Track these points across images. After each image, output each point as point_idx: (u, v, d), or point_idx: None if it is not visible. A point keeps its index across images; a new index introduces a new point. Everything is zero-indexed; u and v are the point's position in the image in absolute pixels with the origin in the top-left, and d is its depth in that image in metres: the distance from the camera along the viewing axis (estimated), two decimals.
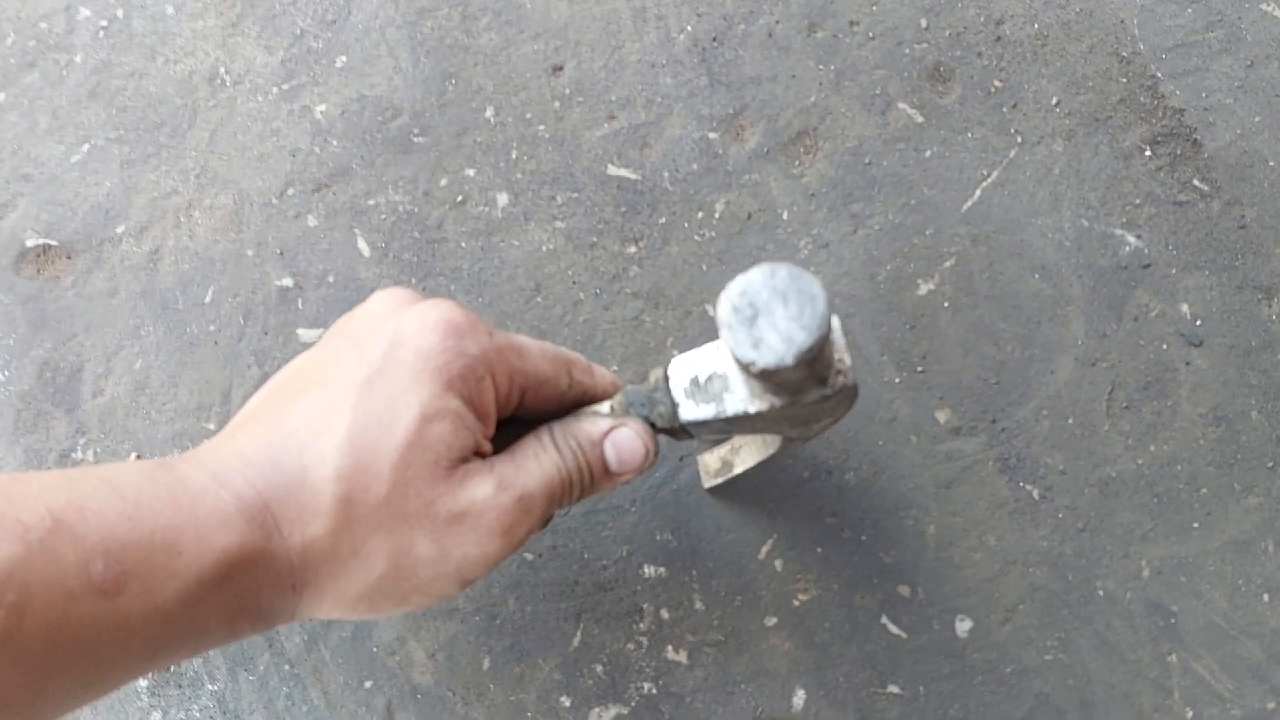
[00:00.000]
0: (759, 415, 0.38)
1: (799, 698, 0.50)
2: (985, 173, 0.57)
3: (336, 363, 0.35)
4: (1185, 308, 0.54)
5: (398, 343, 0.34)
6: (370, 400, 0.33)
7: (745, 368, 0.32)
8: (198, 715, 0.53)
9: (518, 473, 0.36)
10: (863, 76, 0.59)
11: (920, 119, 0.58)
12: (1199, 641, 0.50)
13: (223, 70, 0.62)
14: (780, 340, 0.31)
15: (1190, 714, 0.49)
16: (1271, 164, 0.56)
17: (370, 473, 0.32)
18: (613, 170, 0.58)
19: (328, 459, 0.32)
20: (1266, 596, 0.50)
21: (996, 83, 0.58)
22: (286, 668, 0.53)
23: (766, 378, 0.33)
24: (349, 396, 0.33)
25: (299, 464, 0.33)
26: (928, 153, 0.57)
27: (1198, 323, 0.54)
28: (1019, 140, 0.57)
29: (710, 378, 0.39)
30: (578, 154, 0.58)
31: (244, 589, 0.31)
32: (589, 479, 0.39)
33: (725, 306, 0.32)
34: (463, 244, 0.58)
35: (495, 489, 0.35)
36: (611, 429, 0.39)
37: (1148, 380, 0.53)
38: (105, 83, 0.62)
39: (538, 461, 0.37)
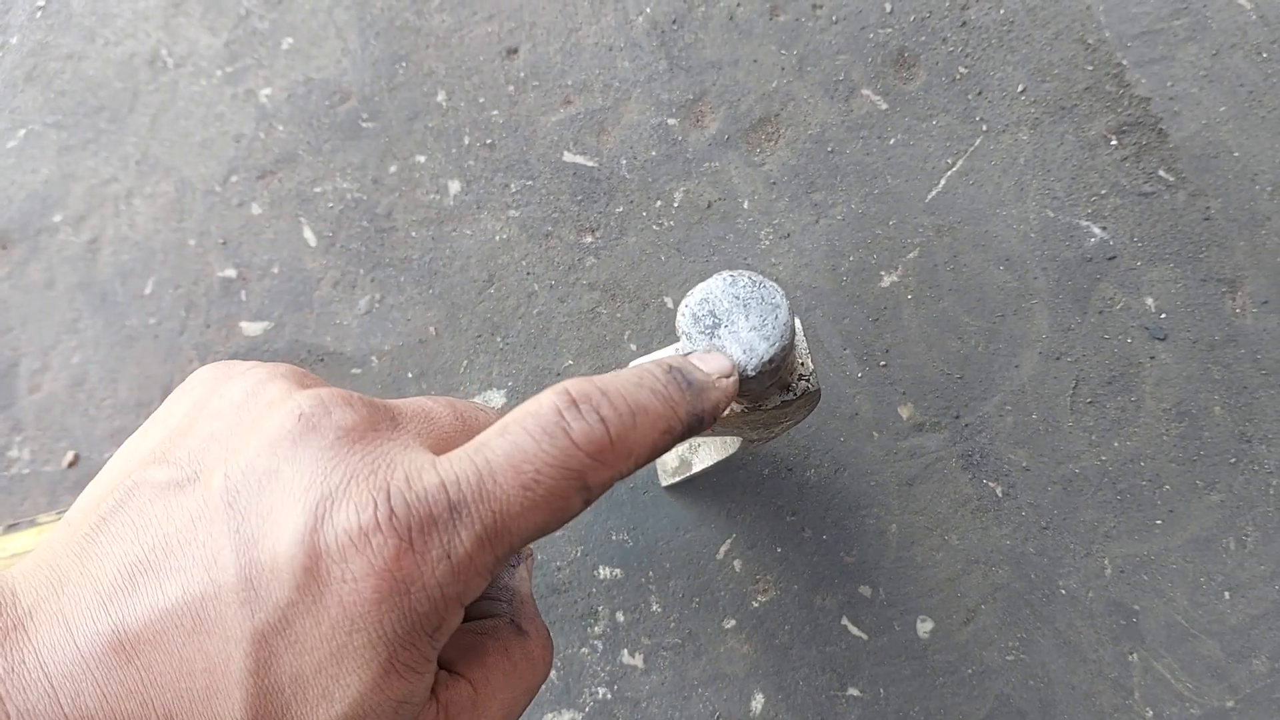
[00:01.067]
0: (720, 419, 0.35)
1: (758, 702, 0.47)
2: (950, 161, 0.53)
3: (215, 560, 0.20)
4: (1150, 301, 0.51)
5: (316, 570, 0.20)
6: (279, 664, 0.20)
7: None
8: None
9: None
10: (826, 62, 0.55)
11: (884, 106, 0.54)
12: (1160, 641, 0.47)
13: (164, 52, 0.57)
14: (742, 351, 0.29)
15: (1150, 714, 0.46)
16: (1236, 155, 0.53)
17: None
18: (569, 157, 0.54)
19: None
20: (1227, 594, 0.47)
21: (961, 69, 0.55)
22: None
23: None
24: (241, 644, 0.19)
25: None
26: (892, 140, 0.53)
27: (1162, 316, 0.51)
28: (984, 128, 0.54)
29: None
30: (532, 140, 0.54)
31: None
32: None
33: (685, 316, 0.30)
34: (413, 233, 0.53)
35: None
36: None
37: (1112, 375, 0.50)
38: (42, 65, 0.57)
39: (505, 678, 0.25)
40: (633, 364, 0.38)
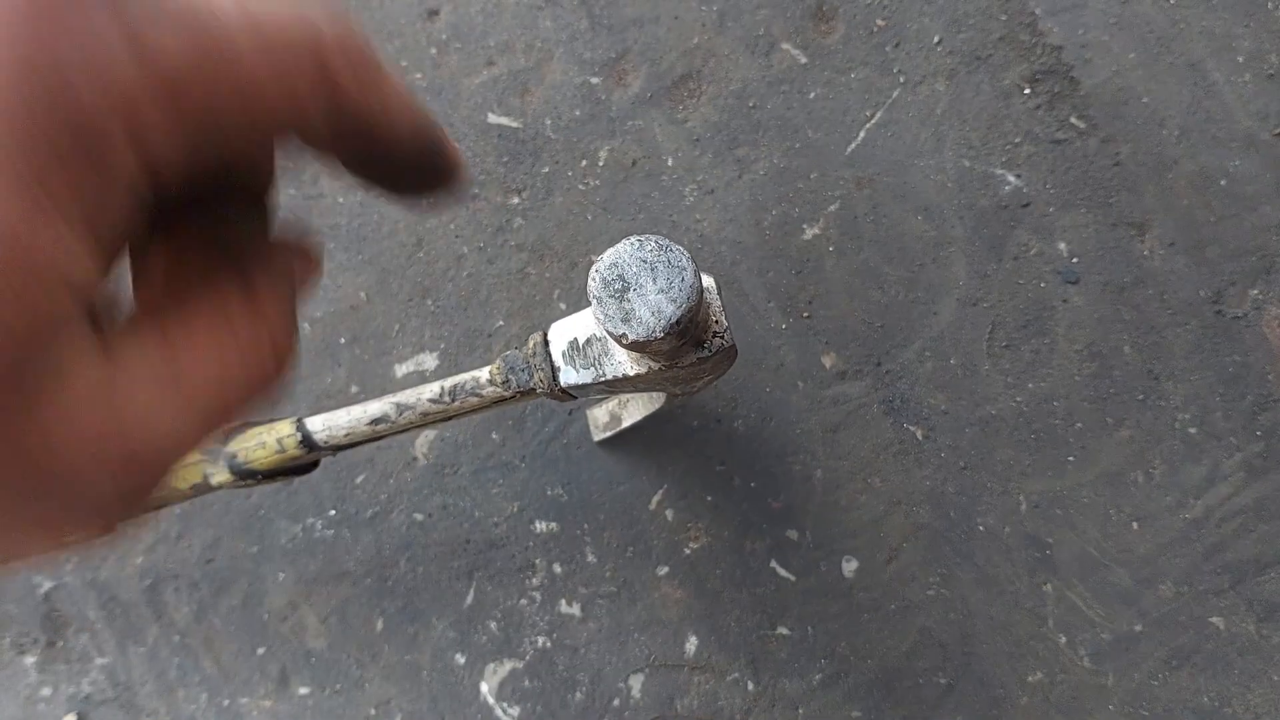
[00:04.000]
0: (639, 377, 0.33)
1: (691, 644, 0.45)
2: (869, 114, 0.49)
3: None
4: (1063, 246, 0.48)
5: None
6: None
7: (617, 340, 0.28)
8: (88, 689, 0.45)
9: (170, 402, 0.14)
10: (746, 17, 0.50)
11: (804, 60, 0.50)
12: (1072, 571, 0.45)
13: None
14: (650, 313, 0.28)
15: (1064, 639, 0.44)
16: (1145, 100, 0.50)
17: None
18: (493, 119, 0.49)
19: None
20: (1135, 525, 0.45)
21: (879, 22, 0.50)
22: (176, 638, 0.45)
23: (639, 349, 0.29)
24: None
25: None
26: (812, 94, 0.49)
27: (1074, 260, 0.48)
28: (902, 80, 0.50)
29: (589, 341, 0.34)
30: (456, 102, 0.49)
31: None
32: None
33: (595, 280, 0.28)
34: (340, 199, 0.49)
35: (110, 441, 0.14)
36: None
37: (1027, 319, 0.47)
38: None
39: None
40: (559, 325, 0.34)
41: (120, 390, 0.14)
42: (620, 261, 0.28)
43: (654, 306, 0.28)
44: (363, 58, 0.14)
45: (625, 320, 0.28)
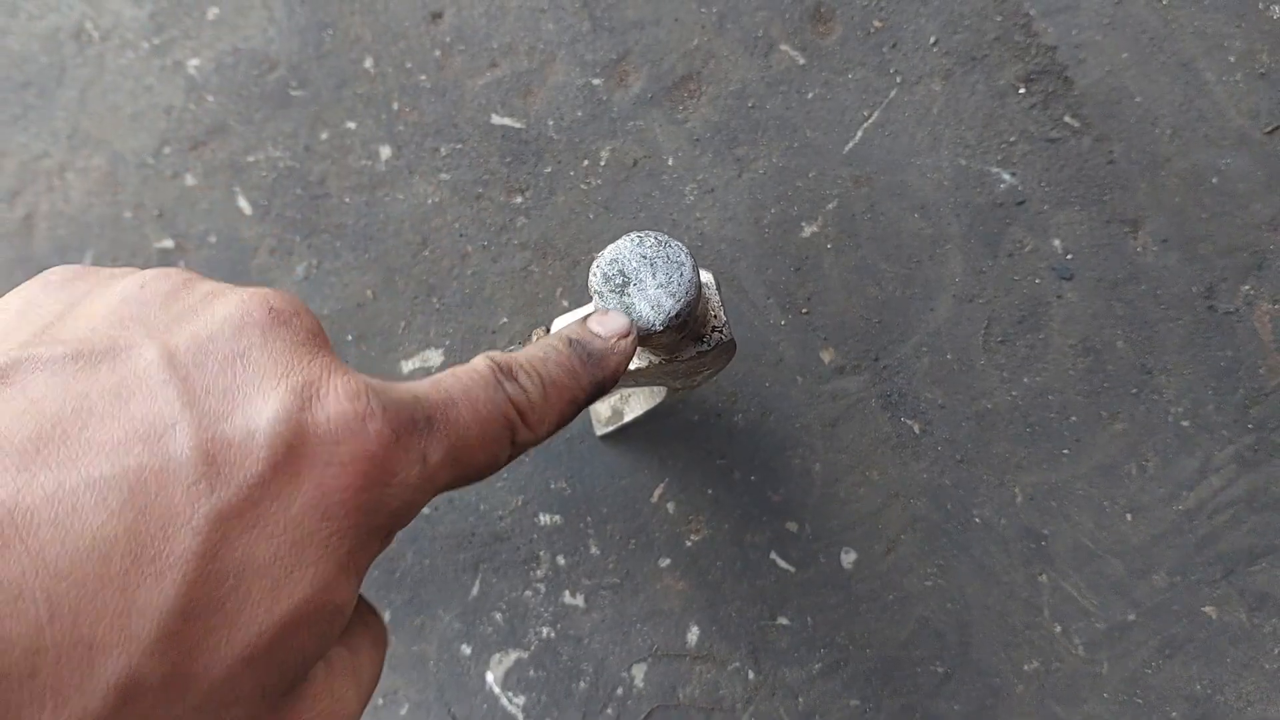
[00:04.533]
0: (639, 372, 0.33)
1: (693, 634, 0.45)
2: (866, 114, 0.49)
3: (164, 432, 0.16)
4: (1057, 242, 0.48)
5: (300, 451, 0.16)
6: (231, 550, 0.15)
7: None
8: None
9: (358, 690, 0.20)
10: (745, 18, 0.50)
11: (802, 61, 0.50)
12: (1067, 562, 0.45)
13: (89, 25, 0.51)
14: (649, 308, 0.28)
15: (1059, 629, 0.44)
16: (1138, 99, 0.50)
17: (177, 684, 0.15)
18: (496, 120, 0.49)
19: (114, 643, 0.14)
20: (1129, 516, 0.45)
21: (876, 23, 0.50)
22: None
23: (640, 343, 0.29)
24: (192, 525, 0.15)
25: (36, 624, 0.13)
26: (810, 95, 0.50)
27: (1069, 257, 0.48)
28: (898, 80, 0.50)
29: None
30: (460, 104, 0.50)
31: None
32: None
33: (596, 275, 0.29)
34: (346, 199, 0.49)
35: None
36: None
37: (1022, 314, 0.47)
38: None
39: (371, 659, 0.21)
40: (563, 319, 0.35)
41: (334, 685, 0.18)
42: (620, 257, 0.29)
43: (653, 301, 0.28)
44: (527, 412, 0.21)
45: (626, 314, 0.28)
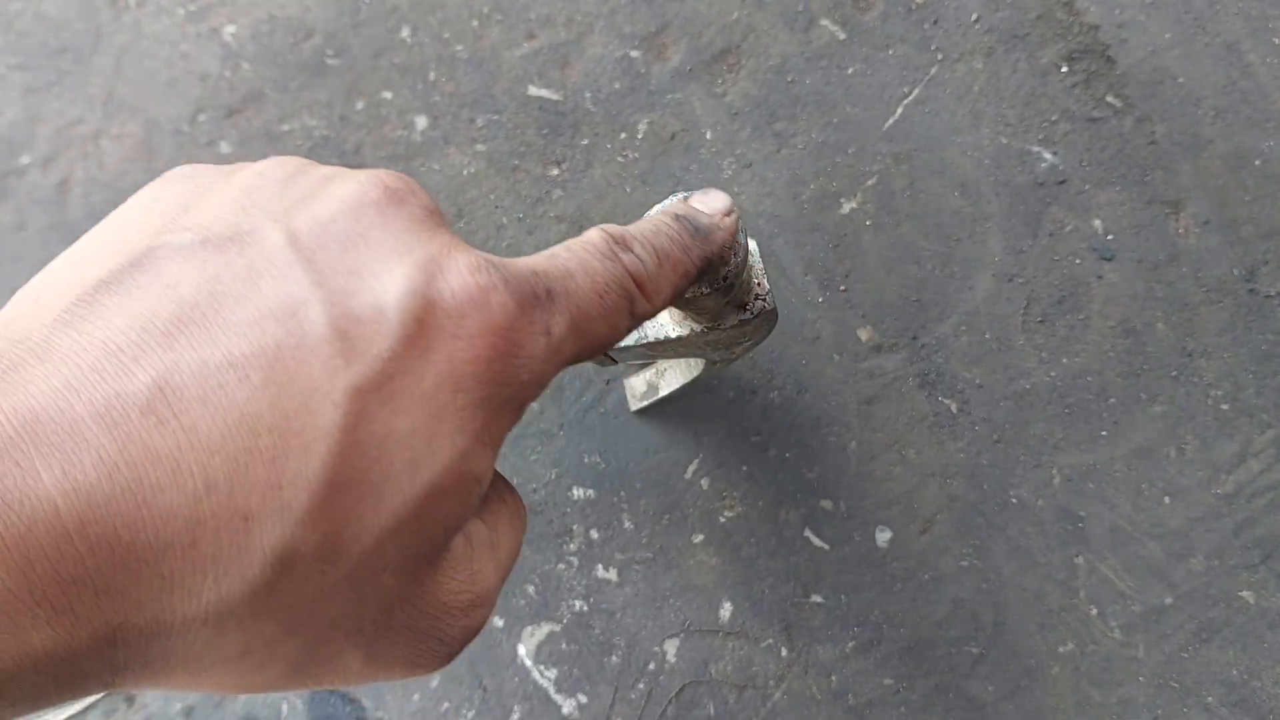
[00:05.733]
0: (680, 340, 0.32)
1: (726, 610, 0.43)
2: (907, 90, 0.48)
3: (297, 309, 0.15)
4: (1098, 223, 0.46)
5: (429, 323, 0.16)
6: (371, 423, 0.15)
7: None
8: None
9: (496, 563, 0.19)
10: None
11: (843, 36, 0.48)
12: (1104, 544, 0.43)
13: None
14: None
15: (1095, 611, 0.43)
16: (1180, 80, 0.48)
17: (330, 553, 0.15)
18: (534, 91, 0.48)
19: (268, 515, 0.14)
20: (1167, 499, 0.44)
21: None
22: None
23: (684, 306, 0.28)
24: (331, 399, 0.15)
25: (194, 495, 0.13)
26: (850, 70, 0.48)
27: (1109, 237, 0.46)
28: (940, 57, 0.48)
29: None
30: (497, 74, 0.48)
31: (33, 688, 0.13)
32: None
33: None
34: (381, 169, 0.47)
35: (471, 601, 0.18)
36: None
37: (1061, 295, 0.46)
38: (2, 7, 0.50)
39: (507, 546, 0.20)
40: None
41: (474, 558, 0.18)
42: None
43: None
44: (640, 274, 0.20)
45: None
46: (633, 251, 0.20)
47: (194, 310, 0.14)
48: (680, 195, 0.27)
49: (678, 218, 0.23)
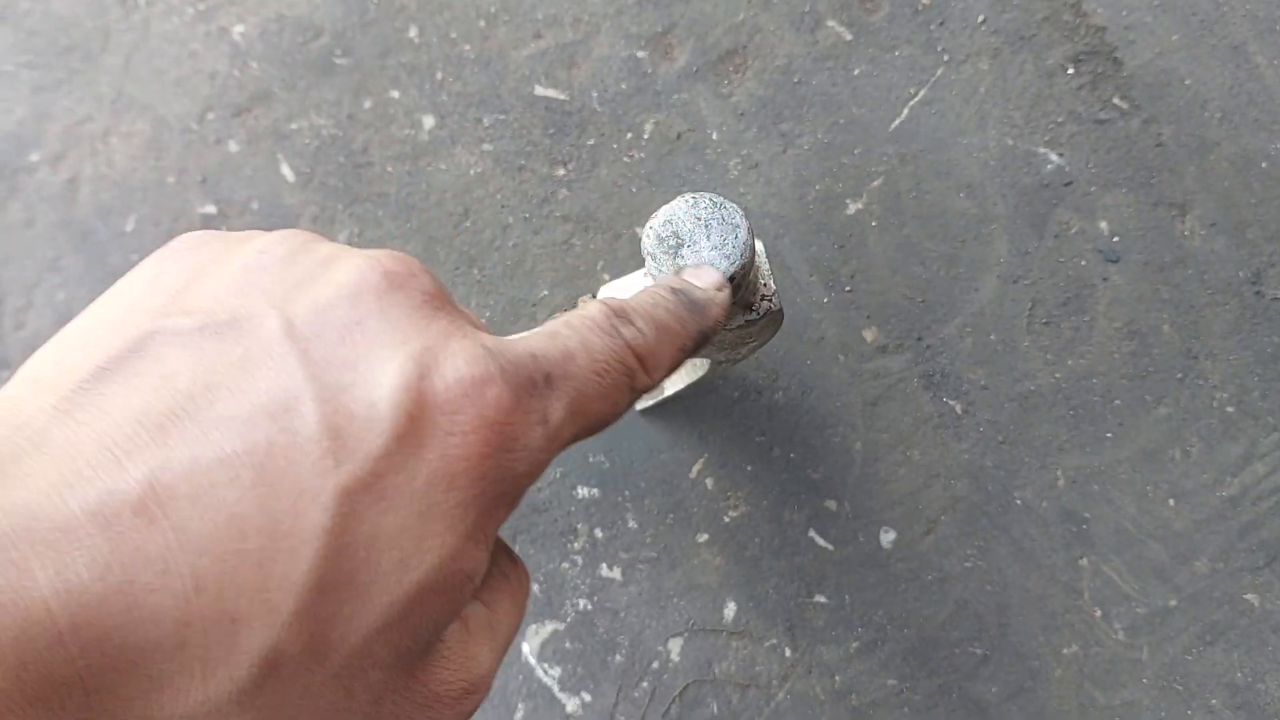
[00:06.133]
0: None
1: (730, 610, 0.43)
2: (913, 91, 0.47)
3: (288, 405, 0.15)
4: (1104, 225, 0.46)
5: (421, 419, 0.16)
6: (359, 524, 0.15)
7: None
8: None
9: (493, 645, 0.19)
10: None
11: (849, 37, 0.48)
12: (1109, 546, 0.43)
13: None
14: None
15: (1099, 613, 0.43)
16: (1188, 82, 0.48)
17: (317, 653, 0.15)
18: (540, 91, 0.48)
19: (256, 617, 0.14)
20: (1172, 501, 0.43)
21: (924, 0, 0.48)
22: None
23: None
24: (320, 501, 0.14)
25: (184, 597, 0.13)
26: (856, 71, 0.48)
27: (1115, 239, 0.46)
28: (946, 58, 0.48)
29: None
30: (504, 74, 0.48)
31: None
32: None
33: (650, 237, 0.27)
34: (389, 168, 0.47)
35: (464, 689, 0.18)
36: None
37: (1067, 296, 0.45)
38: (11, 4, 0.50)
39: (511, 611, 0.20)
40: (610, 286, 0.33)
41: (469, 643, 0.18)
42: (675, 218, 0.27)
43: (708, 263, 0.27)
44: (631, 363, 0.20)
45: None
46: (634, 325, 0.20)
47: (189, 402, 0.14)
48: (647, 270, 0.28)
49: (674, 291, 0.23)
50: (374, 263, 0.17)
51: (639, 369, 0.20)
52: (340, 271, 0.17)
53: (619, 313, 0.20)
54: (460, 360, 0.16)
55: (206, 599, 0.13)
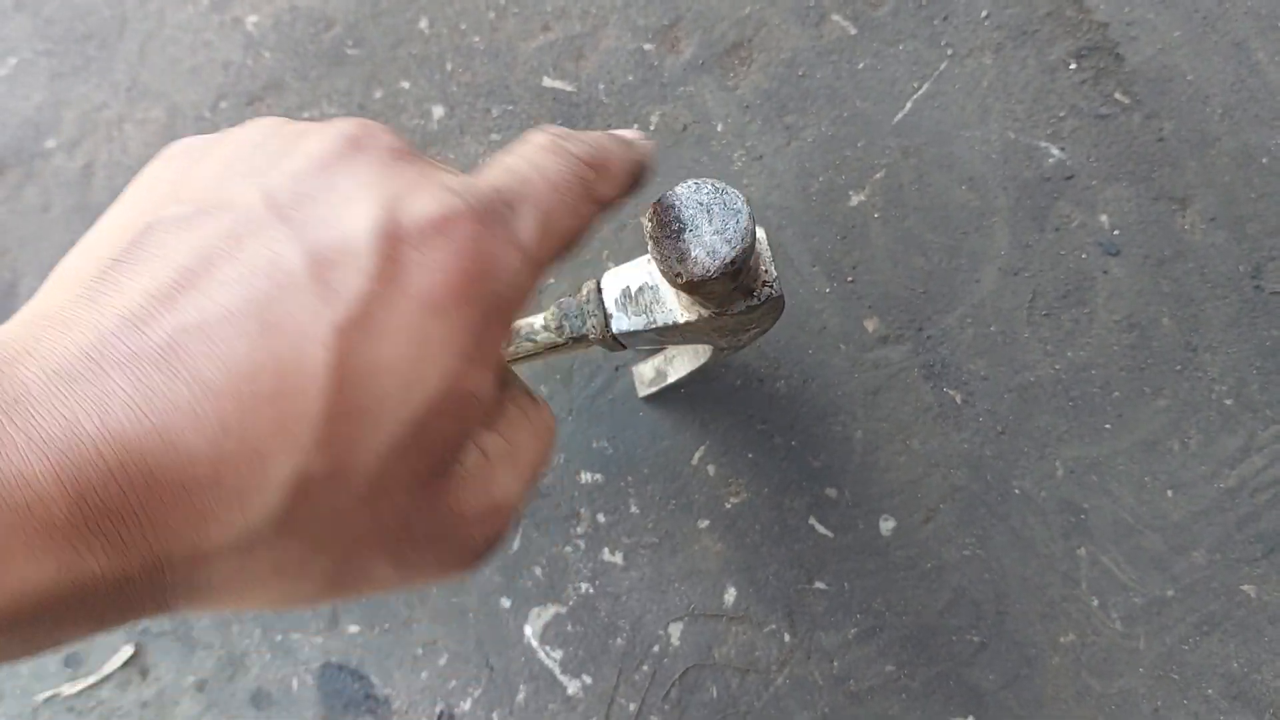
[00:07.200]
0: (688, 326, 0.32)
1: (730, 595, 0.43)
2: (916, 85, 0.47)
3: (277, 261, 0.16)
4: (1104, 218, 0.46)
5: (397, 257, 0.17)
6: (358, 356, 0.16)
7: (672, 280, 0.27)
8: (146, 621, 0.44)
9: (515, 472, 0.20)
10: None
11: (853, 31, 0.48)
12: (1106, 536, 0.43)
13: None
14: (705, 253, 0.27)
15: (1096, 603, 0.42)
16: (1189, 78, 0.47)
17: (340, 477, 0.16)
18: (548, 82, 0.47)
19: (279, 449, 0.15)
20: (1170, 492, 0.43)
21: None
22: None
23: (693, 290, 0.28)
24: (318, 339, 0.15)
25: (213, 437, 0.15)
26: (860, 65, 0.47)
27: (1116, 233, 0.45)
28: (949, 53, 0.47)
29: (641, 289, 0.32)
30: (513, 66, 0.48)
31: (61, 621, 0.14)
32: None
33: (652, 221, 0.27)
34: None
35: (488, 508, 0.19)
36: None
37: (1067, 289, 0.45)
38: None
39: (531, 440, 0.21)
40: (613, 273, 0.33)
41: (490, 469, 0.19)
42: (677, 203, 0.27)
43: (709, 246, 0.27)
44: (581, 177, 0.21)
45: (681, 260, 0.27)
46: (582, 141, 0.21)
47: (190, 274, 0.16)
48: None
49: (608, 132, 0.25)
50: (338, 131, 0.19)
51: (595, 178, 0.21)
52: (308, 143, 0.19)
53: (564, 135, 0.21)
54: (425, 199, 0.18)
55: (232, 438, 0.15)
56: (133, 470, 0.14)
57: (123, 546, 0.14)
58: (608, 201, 0.22)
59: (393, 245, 0.17)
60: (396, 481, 0.17)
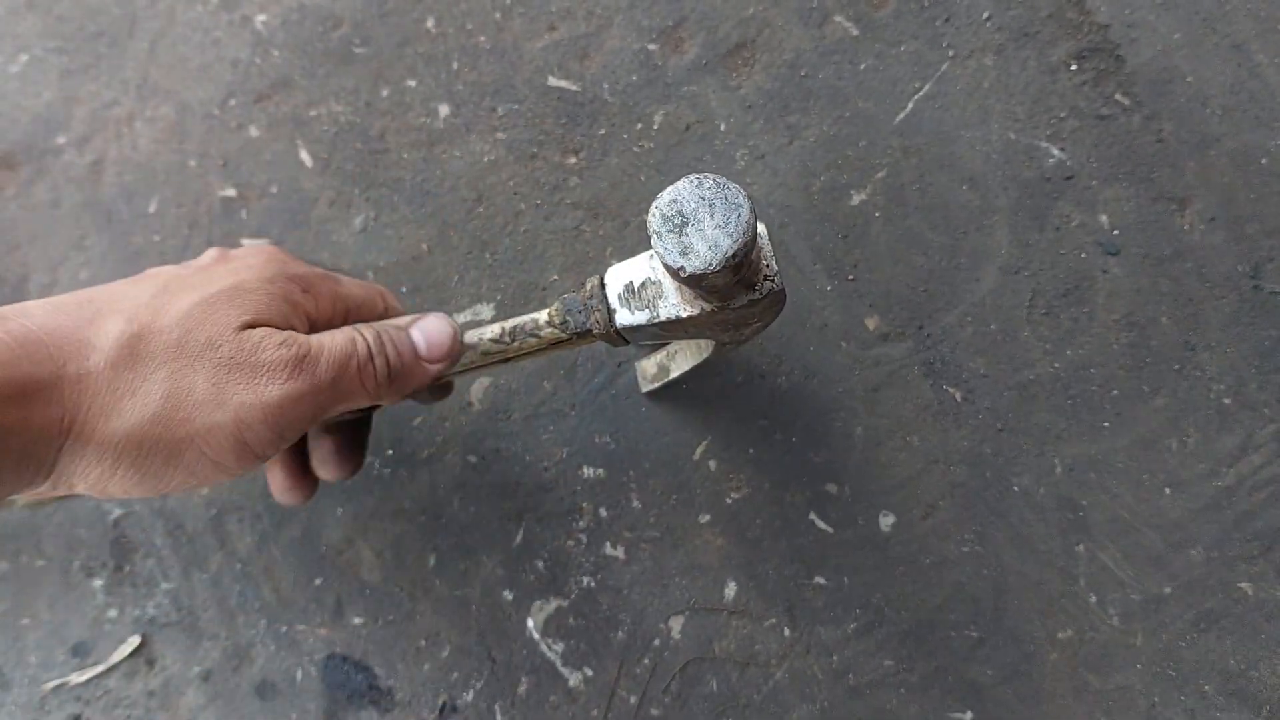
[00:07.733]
0: (691, 320, 0.32)
1: (730, 589, 0.43)
2: (918, 85, 0.47)
3: (166, 272, 0.32)
4: (1104, 218, 0.46)
5: (230, 258, 0.33)
6: (191, 278, 0.30)
7: (675, 274, 0.28)
8: (153, 612, 0.44)
9: (309, 338, 0.30)
10: None
11: (856, 32, 0.48)
12: (1105, 533, 0.43)
13: None
14: (707, 247, 0.27)
15: (1094, 599, 0.42)
16: (1189, 79, 0.47)
17: (165, 315, 0.28)
18: (553, 81, 0.48)
19: (123, 305, 0.28)
20: (1168, 490, 0.43)
21: None
22: (238, 566, 0.45)
23: (695, 283, 0.28)
24: (167, 275, 0.31)
25: (94, 310, 0.28)
26: (862, 65, 0.47)
27: (1115, 233, 0.45)
28: (951, 54, 0.47)
29: (644, 284, 0.33)
30: (518, 65, 0.48)
31: (9, 418, 0.25)
32: (397, 358, 0.33)
33: (655, 216, 0.28)
34: (404, 155, 0.47)
35: (280, 342, 0.29)
36: (417, 319, 0.35)
37: (1067, 288, 0.45)
38: None
39: (332, 335, 0.31)
40: (616, 268, 0.33)
41: (288, 332, 0.31)
42: (679, 198, 0.27)
43: (711, 241, 0.27)
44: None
45: (683, 254, 0.27)
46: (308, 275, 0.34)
47: (164, 293, 0.30)
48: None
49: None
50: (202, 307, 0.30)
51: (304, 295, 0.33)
52: (182, 301, 0.30)
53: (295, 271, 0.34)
54: (262, 248, 0.35)
55: (96, 318, 0.28)
56: (26, 365, 0.25)
57: (44, 360, 0.26)
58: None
59: (230, 255, 0.34)
60: (209, 320, 0.28)
